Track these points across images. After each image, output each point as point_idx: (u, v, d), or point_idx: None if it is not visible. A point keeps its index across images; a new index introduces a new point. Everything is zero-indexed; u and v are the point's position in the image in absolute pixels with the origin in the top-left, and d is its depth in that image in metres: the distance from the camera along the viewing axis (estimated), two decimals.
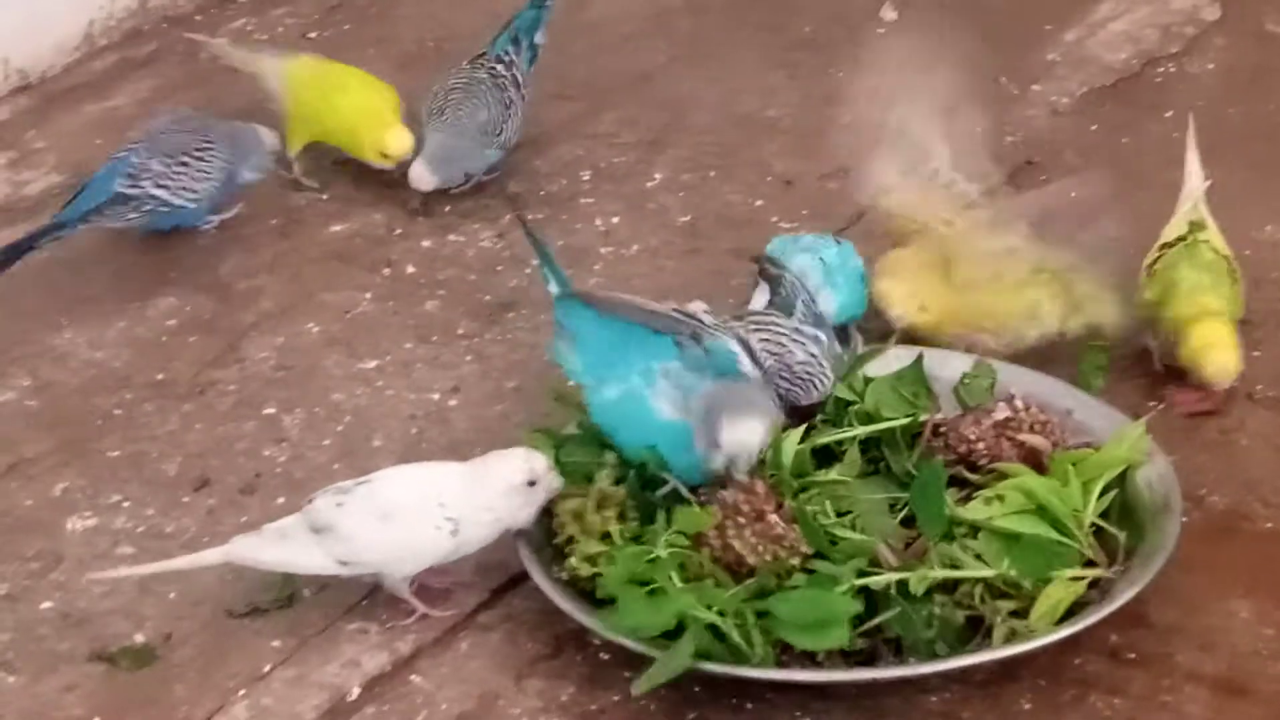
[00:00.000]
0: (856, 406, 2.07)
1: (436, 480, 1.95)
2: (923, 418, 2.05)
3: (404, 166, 2.61)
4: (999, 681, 1.89)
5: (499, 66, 2.62)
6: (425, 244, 2.57)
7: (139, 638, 1.98)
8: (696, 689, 1.90)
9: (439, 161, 2.58)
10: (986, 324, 2.21)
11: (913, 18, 3.01)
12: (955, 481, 1.99)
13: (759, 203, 2.61)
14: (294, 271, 2.53)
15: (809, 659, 1.86)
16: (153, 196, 2.48)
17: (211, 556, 1.96)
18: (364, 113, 2.62)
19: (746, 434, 1.92)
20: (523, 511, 1.95)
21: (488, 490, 1.94)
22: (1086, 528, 1.94)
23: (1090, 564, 1.93)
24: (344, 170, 2.69)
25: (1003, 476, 1.97)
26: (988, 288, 2.21)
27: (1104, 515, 1.96)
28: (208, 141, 2.52)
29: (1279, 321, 2.31)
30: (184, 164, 2.49)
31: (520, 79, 2.62)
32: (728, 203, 2.61)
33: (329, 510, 1.94)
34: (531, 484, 1.95)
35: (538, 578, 1.94)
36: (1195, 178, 2.32)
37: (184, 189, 2.49)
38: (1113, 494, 1.97)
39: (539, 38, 2.66)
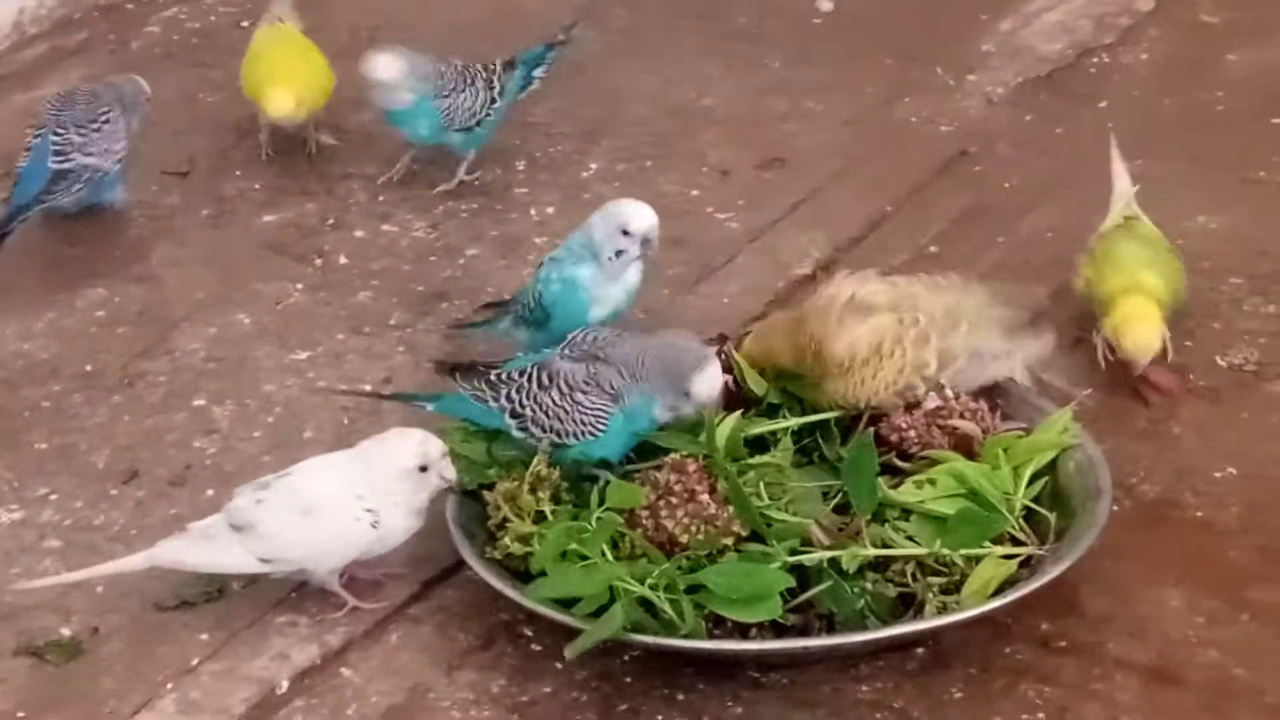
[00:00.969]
0: (791, 405, 2.07)
1: (352, 470, 1.94)
2: None
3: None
4: (930, 670, 1.89)
5: (479, 65, 2.60)
6: (358, 234, 2.55)
7: (66, 631, 1.96)
8: (629, 680, 1.89)
9: (398, 54, 2.54)
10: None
11: (848, 8, 3.01)
12: (888, 470, 1.99)
13: (695, 193, 2.61)
14: (225, 262, 2.51)
15: (741, 636, 1.86)
16: (85, 166, 2.50)
17: (136, 561, 1.95)
18: (264, 72, 2.63)
19: (712, 378, 1.98)
20: (415, 497, 1.94)
21: (383, 474, 1.93)
22: (1018, 511, 1.95)
23: (1021, 545, 1.93)
24: (276, 160, 2.68)
25: (934, 464, 1.98)
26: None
27: (1035, 500, 1.97)
28: (105, 106, 2.54)
29: (1210, 311, 2.31)
30: (97, 129, 2.52)
31: (498, 89, 2.59)
32: (663, 193, 2.60)
33: (250, 508, 1.93)
34: (423, 469, 1.93)
35: (468, 556, 1.93)
36: (1123, 179, 2.32)
37: (106, 150, 2.51)
38: (1044, 480, 1.98)
39: (538, 72, 2.65)
